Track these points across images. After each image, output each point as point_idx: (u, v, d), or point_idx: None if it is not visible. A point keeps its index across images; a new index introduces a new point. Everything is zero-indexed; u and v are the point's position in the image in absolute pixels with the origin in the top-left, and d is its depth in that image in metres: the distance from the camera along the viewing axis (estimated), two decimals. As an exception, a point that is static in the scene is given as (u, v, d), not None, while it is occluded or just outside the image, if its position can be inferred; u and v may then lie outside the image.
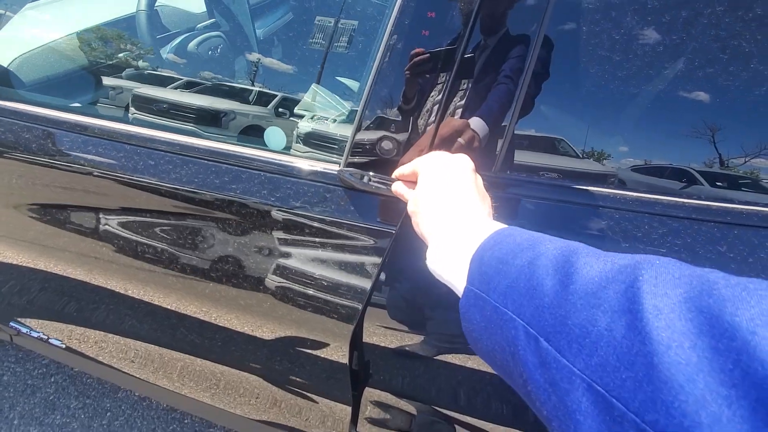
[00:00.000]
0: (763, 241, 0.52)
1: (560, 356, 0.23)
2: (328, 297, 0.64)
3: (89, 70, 0.97)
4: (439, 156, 0.48)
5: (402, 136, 0.57)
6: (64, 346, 0.97)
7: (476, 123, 0.54)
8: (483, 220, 0.38)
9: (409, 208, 0.47)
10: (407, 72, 0.55)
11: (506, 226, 0.35)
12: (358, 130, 0.59)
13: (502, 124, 0.55)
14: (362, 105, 0.58)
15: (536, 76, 0.55)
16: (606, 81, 0.55)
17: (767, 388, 0.15)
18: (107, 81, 0.92)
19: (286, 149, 0.73)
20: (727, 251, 0.52)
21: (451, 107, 0.56)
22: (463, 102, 0.55)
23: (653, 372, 0.18)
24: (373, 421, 0.77)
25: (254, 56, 1.09)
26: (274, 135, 0.74)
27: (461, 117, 0.56)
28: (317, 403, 0.78)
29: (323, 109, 0.76)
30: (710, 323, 0.18)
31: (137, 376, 0.93)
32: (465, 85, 0.55)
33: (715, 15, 0.51)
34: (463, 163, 0.45)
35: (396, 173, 0.54)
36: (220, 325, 0.76)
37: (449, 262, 0.36)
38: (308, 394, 0.78)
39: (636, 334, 0.20)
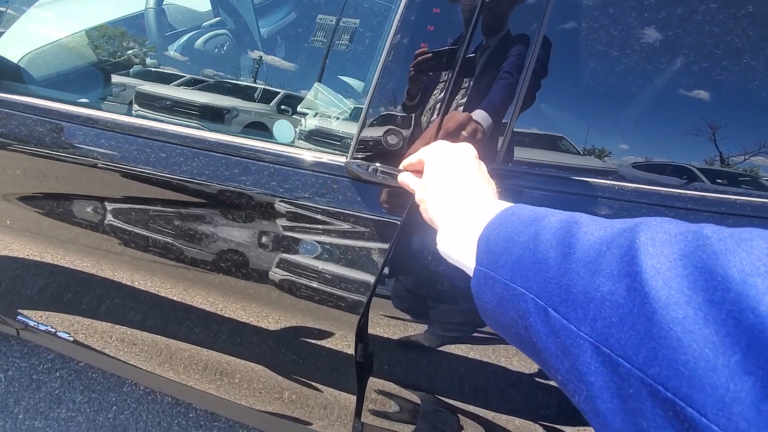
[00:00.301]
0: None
1: (568, 323, 0.24)
2: (334, 287, 0.65)
3: (98, 67, 0.99)
4: (443, 144, 0.49)
5: (407, 130, 0.59)
6: (71, 339, 0.98)
7: (479, 115, 0.56)
8: (488, 200, 0.39)
9: (417, 196, 0.48)
10: (411, 69, 0.57)
11: (511, 204, 0.36)
12: (364, 124, 0.60)
13: (504, 116, 0.57)
14: (368, 99, 0.59)
15: (536, 73, 0.56)
16: (606, 78, 0.57)
17: (757, 333, 0.16)
18: (116, 78, 0.93)
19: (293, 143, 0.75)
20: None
21: (455, 103, 0.58)
22: (465, 99, 0.57)
23: (653, 329, 0.19)
24: (377, 412, 0.78)
25: (258, 54, 1.11)
26: (283, 128, 0.76)
27: (464, 111, 0.57)
28: (322, 392, 0.79)
29: (326, 107, 0.77)
30: (704, 278, 0.19)
31: (143, 367, 0.94)
32: (468, 83, 0.57)
33: (709, 12, 0.53)
34: (467, 149, 0.47)
35: (403, 164, 0.56)
36: (227, 316, 0.77)
37: (458, 244, 0.37)
38: (313, 384, 0.79)
39: (636, 295, 0.21)
